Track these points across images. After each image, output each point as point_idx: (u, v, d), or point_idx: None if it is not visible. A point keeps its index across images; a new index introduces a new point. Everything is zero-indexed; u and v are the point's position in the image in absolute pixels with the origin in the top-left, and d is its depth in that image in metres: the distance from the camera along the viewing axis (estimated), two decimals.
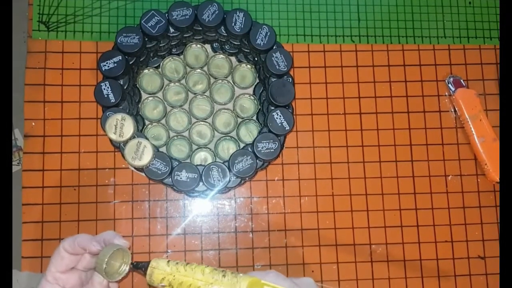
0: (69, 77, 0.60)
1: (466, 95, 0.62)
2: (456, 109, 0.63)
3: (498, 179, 0.61)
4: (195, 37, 0.59)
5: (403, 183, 0.61)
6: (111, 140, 0.52)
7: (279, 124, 0.54)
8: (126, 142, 0.52)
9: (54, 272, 0.41)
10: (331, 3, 0.65)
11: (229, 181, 0.54)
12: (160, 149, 0.58)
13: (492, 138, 0.61)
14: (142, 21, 0.54)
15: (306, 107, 0.62)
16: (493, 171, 0.61)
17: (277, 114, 0.55)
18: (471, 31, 0.66)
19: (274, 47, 0.56)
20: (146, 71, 0.60)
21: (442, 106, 0.64)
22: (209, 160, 0.59)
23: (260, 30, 0.55)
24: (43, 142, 0.58)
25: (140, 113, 0.59)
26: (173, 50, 0.60)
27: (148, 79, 0.60)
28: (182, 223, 0.59)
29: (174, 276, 0.41)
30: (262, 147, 0.54)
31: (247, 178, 0.55)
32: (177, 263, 0.41)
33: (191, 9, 0.55)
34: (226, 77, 0.60)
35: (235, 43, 0.58)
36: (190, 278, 0.40)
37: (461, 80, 0.64)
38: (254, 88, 0.60)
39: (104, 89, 0.53)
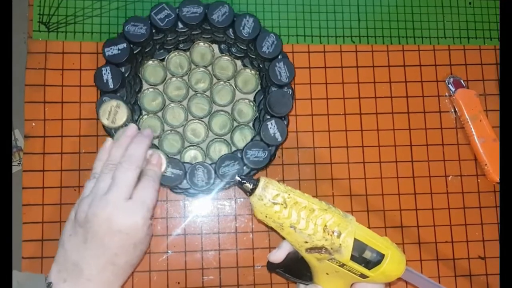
0: (69, 77, 0.60)
1: (466, 96, 0.62)
2: (456, 109, 0.63)
3: (498, 180, 0.61)
4: (203, 36, 0.59)
5: (403, 183, 0.61)
6: (103, 126, 0.52)
7: (272, 134, 0.54)
8: (117, 129, 0.52)
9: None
10: (331, 4, 0.65)
11: (213, 182, 0.53)
12: (153, 142, 0.58)
13: (492, 138, 0.61)
14: (152, 13, 0.54)
15: (306, 108, 0.62)
16: (493, 172, 0.61)
17: (271, 124, 0.54)
18: (471, 31, 0.66)
19: (279, 57, 0.56)
20: (150, 62, 0.60)
21: (442, 107, 0.64)
22: (199, 159, 0.59)
23: (267, 38, 0.55)
24: (43, 142, 0.58)
25: (138, 102, 0.59)
26: (180, 45, 0.60)
27: (151, 70, 0.60)
28: (182, 223, 0.59)
29: (289, 194, 0.39)
30: (251, 155, 0.54)
31: (231, 183, 0.55)
32: (286, 185, 0.39)
33: (202, 7, 0.55)
34: (229, 80, 0.60)
35: (242, 47, 0.58)
36: (305, 200, 0.39)
37: (461, 81, 0.64)
38: (255, 95, 0.60)
39: (104, 74, 0.53)
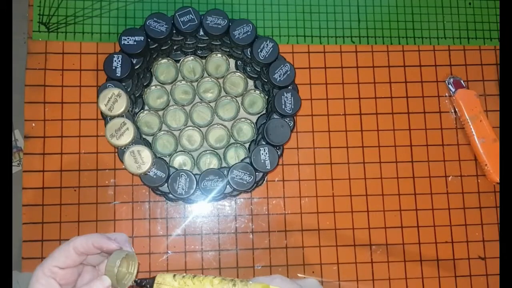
0: (69, 78, 0.60)
1: (466, 96, 0.62)
2: (456, 109, 0.63)
3: (498, 180, 0.61)
4: (222, 48, 0.59)
5: (403, 183, 0.61)
6: (101, 112, 0.52)
7: (262, 161, 0.53)
8: (112, 118, 0.52)
9: (52, 266, 0.39)
10: (331, 4, 0.65)
11: (193, 193, 0.53)
12: (147, 138, 0.59)
13: (492, 138, 0.62)
14: (177, 14, 0.54)
15: (306, 108, 0.62)
16: (493, 172, 0.61)
17: (264, 151, 0.53)
18: (471, 32, 0.66)
19: (289, 87, 0.55)
20: (165, 60, 0.60)
21: (442, 107, 0.64)
22: (187, 167, 0.59)
23: (282, 66, 0.55)
24: (43, 143, 0.58)
25: (143, 96, 0.59)
26: (198, 52, 0.60)
27: (164, 68, 0.60)
28: (182, 224, 0.59)
29: None
30: (236, 175, 0.53)
31: (211, 197, 0.54)
32: (183, 276, 0.40)
33: (226, 21, 0.54)
34: (237, 96, 0.60)
35: (257, 69, 0.58)
36: None
37: (461, 81, 0.64)
38: (258, 118, 0.60)
39: (115, 61, 0.53)
